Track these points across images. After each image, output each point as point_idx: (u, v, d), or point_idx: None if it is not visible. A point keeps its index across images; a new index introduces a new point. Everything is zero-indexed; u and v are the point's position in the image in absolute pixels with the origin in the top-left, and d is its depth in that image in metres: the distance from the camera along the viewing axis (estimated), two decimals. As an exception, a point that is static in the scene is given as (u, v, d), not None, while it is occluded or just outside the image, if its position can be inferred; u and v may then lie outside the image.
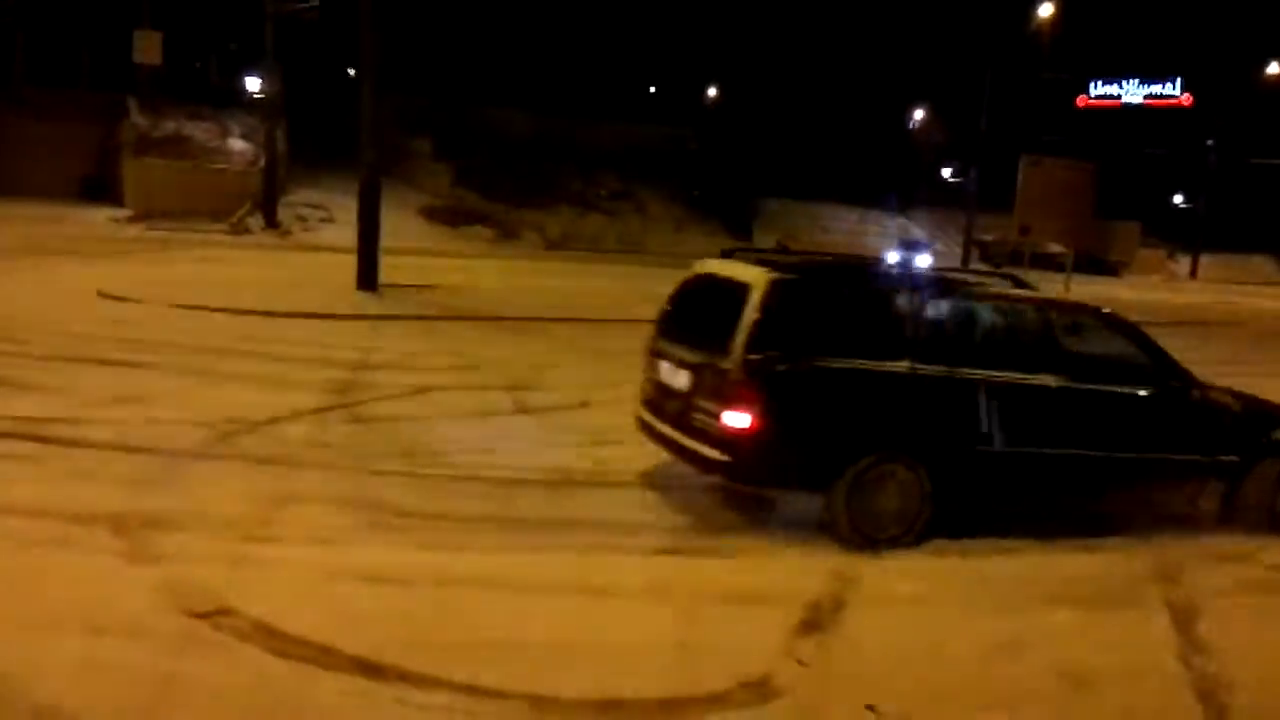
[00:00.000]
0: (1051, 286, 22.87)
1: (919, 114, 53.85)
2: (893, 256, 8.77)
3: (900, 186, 48.09)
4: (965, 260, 43.71)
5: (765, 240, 32.67)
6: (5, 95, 29.74)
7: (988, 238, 44.27)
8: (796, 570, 4.85)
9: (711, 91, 49.17)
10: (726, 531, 5.39)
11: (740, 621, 4.24)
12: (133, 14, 29.88)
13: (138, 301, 12.53)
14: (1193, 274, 50.48)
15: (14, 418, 6.61)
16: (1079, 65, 49.11)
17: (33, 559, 4.36)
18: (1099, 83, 51.83)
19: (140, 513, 4.98)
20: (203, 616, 3.86)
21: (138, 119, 29.85)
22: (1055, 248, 27.09)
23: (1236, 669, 4.05)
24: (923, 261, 7.07)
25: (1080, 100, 52.07)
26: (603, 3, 39.67)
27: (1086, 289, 27.47)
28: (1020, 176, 21.24)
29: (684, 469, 6.53)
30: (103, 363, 8.84)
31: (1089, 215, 22.78)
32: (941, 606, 4.58)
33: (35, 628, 3.70)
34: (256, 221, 28.30)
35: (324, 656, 3.63)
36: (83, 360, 8.85)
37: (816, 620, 4.28)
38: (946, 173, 51.11)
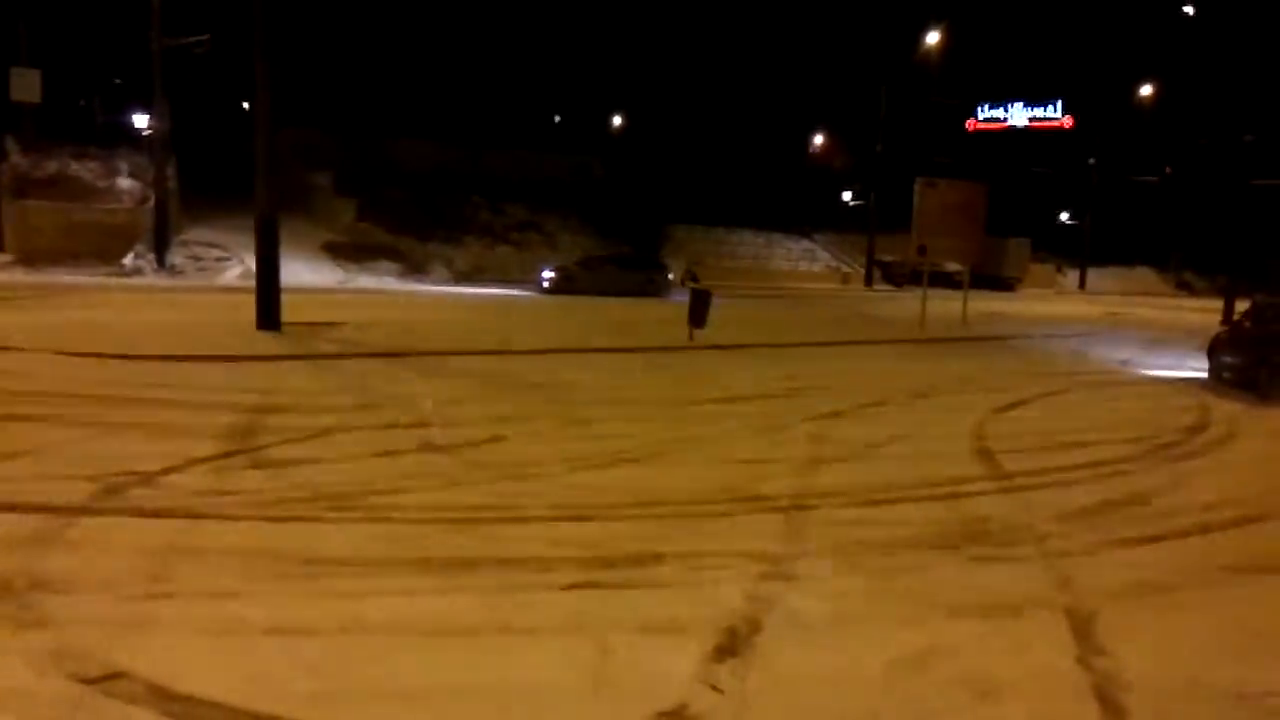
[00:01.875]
0: (951, 305, 23.64)
1: (819, 139, 55.27)
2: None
3: (804, 211, 49.20)
4: (869, 280, 44.93)
5: (673, 267, 32.95)
6: None
7: (889, 259, 45.51)
8: (711, 597, 4.85)
9: (616, 120, 49.60)
10: (640, 563, 5.36)
11: (656, 652, 4.22)
12: (9, 51, 28.77)
13: (20, 350, 11.97)
14: (1081, 285, 52.74)
15: (-116, 479, 6.22)
16: (967, 90, 51.18)
17: (-97, 631, 4.09)
18: (986, 106, 54.23)
19: (27, 573, 4.72)
20: (93, 682, 3.67)
21: (17, 160, 28.68)
22: (953, 266, 27.94)
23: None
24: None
25: (970, 124, 54.31)
26: (505, 32, 39.74)
27: (984, 305, 28.43)
28: (916, 198, 21.84)
29: (591, 499, 6.53)
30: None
31: (982, 234, 23.52)
32: (854, 624, 4.63)
33: (-94, 705, 3.47)
34: (148, 263, 27.39)
35: (224, 716, 3.48)
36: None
37: (731, 646, 4.28)
38: (847, 196, 52.48)
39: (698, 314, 16.94)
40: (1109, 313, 32.02)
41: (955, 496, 7.10)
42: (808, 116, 52.05)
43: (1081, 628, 4.66)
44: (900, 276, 44.24)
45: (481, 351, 14.14)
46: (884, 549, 5.78)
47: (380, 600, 4.65)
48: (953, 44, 45.09)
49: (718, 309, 17.64)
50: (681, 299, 21.75)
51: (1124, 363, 17.09)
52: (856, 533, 6.06)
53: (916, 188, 21.96)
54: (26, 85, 28.32)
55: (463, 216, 36.26)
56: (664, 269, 31.69)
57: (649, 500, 6.63)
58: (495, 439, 8.44)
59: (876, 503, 6.85)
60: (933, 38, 44.50)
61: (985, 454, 8.60)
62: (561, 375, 12.39)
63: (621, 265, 30.49)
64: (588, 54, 41.58)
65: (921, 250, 22.00)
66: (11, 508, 5.80)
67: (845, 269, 48.00)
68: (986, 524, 6.41)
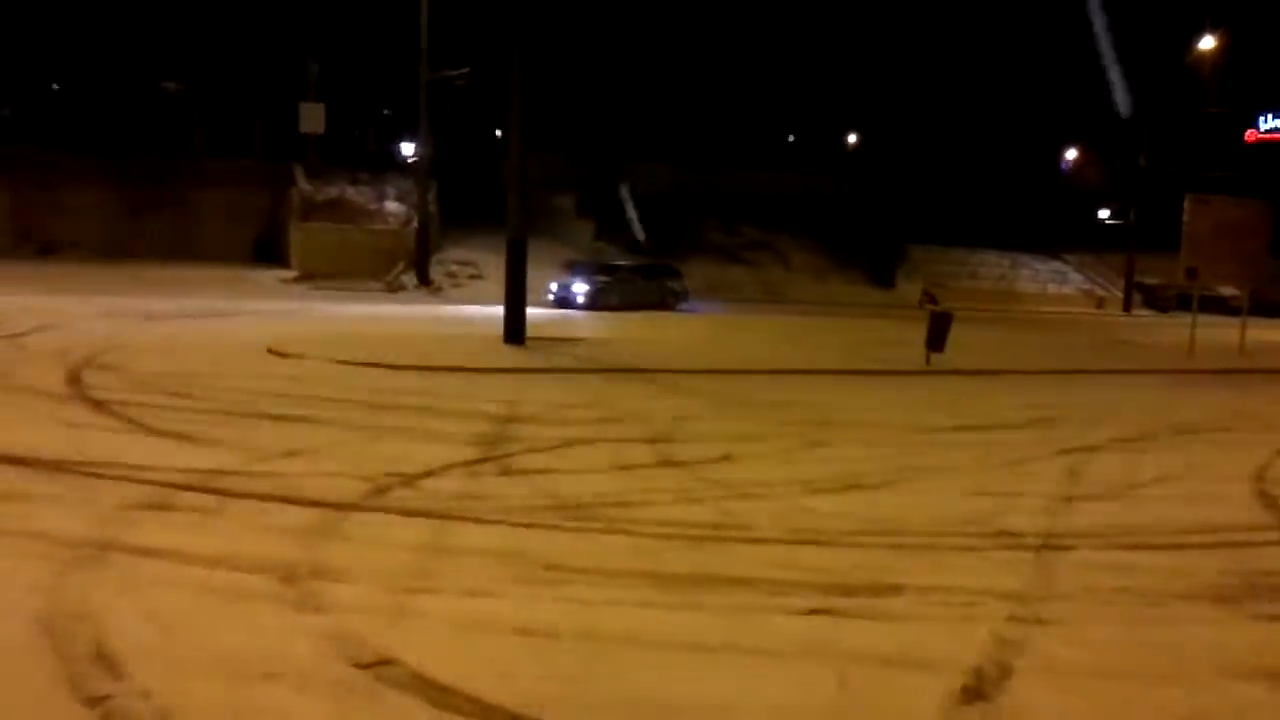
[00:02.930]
0: (1225, 332, 21.53)
1: (1071, 153, 51.96)
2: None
3: (1054, 229, 46.42)
4: (1128, 304, 41.72)
5: (911, 290, 31.92)
6: (187, 168, 32.20)
7: (1152, 281, 42.12)
8: (955, 635, 4.64)
9: (852, 138, 48.80)
10: (878, 592, 5.21)
11: (897, 687, 4.08)
12: (299, 87, 32.04)
13: (300, 358, 13.25)
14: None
15: (192, 470, 7.06)
16: (1245, 98, 46.60)
17: (209, 606, 4.61)
18: (1269, 116, 49.06)
19: (308, 563, 5.20)
20: (366, 667, 3.98)
21: (303, 185, 31.84)
22: (1227, 291, 25.47)
23: None
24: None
25: (1249, 135, 49.35)
26: (741, 55, 40.09)
27: (1266, 334, 25.72)
28: (1186, 216, 20.07)
29: (826, 524, 6.42)
30: (272, 418, 9.37)
31: (1264, 255, 21.30)
32: (1114, 678, 4.29)
33: (211, 672, 3.90)
34: (410, 279, 29.64)
35: (479, 710, 3.68)
36: (253, 415, 9.40)
37: (979, 689, 4.07)
38: (1104, 214, 49.03)
39: (936, 337, 16.33)
40: None
41: (1235, 545, 6.44)
42: (1059, 129, 49.09)
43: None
44: (1165, 301, 40.86)
45: (715, 370, 14.29)
46: (1150, 598, 5.32)
47: (618, 610, 4.77)
48: (1229, 48, 41.22)
49: (957, 333, 16.94)
50: (689, 310, 20.52)
51: None
52: (1117, 579, 5.61)
53: (1187, 204, 20.20)
54: (313, 118, 31.51)
55: (697, 236, 36.85)
56: (679, 276, 29.34)
57: (886, 529, 6.44)
58: (729, 457, 8.49)
59: (1140, 547, 6.32)
60: (1206, 43, 40.85)
61: (1271, 500, 7.75)
62: (795, 396, 12.30)
63: (644, 275, 28.52)
64: (822, 72, 41.23)
65: (1191, 273, 20.20)
66: (295, 501, 6.42)
67: (1100, 292, 44.88)
68: (1274, 578, 5.77)
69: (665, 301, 27.62)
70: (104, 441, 8.01)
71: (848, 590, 5.20)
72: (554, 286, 27.20)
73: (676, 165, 38.99)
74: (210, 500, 6.39)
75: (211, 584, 4.87)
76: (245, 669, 3.94)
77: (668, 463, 8.19)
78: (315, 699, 3.73)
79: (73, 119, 31.83)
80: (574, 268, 29.37)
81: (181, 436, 8.27)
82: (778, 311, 27.41)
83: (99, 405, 9.61)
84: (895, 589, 5.27)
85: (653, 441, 9.00)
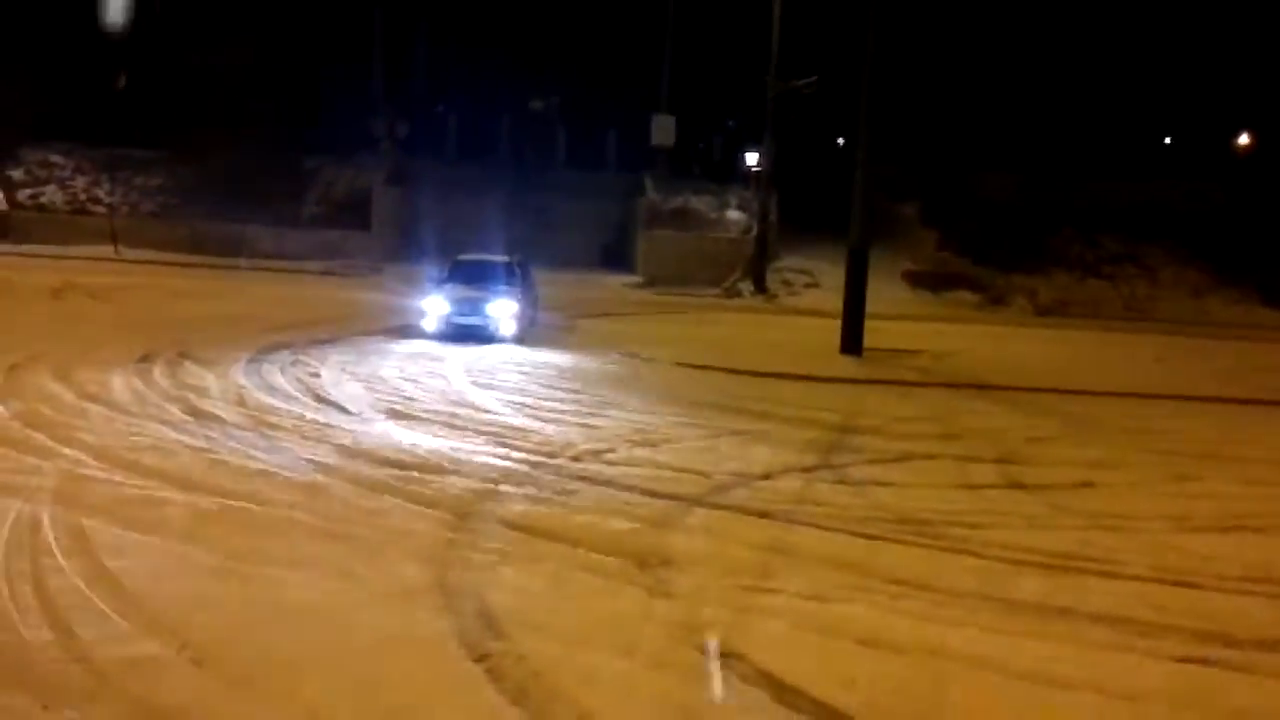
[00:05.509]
0: None
1: None
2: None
3: None
4: None
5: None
6: (550, 180, 34.99)
7: None
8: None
9: (1243, 139, 43.30)
10: (1262, 646, 4.64)
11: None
12: (652, 101, 33.77)
13: (647, 360, 13.96)
14: None
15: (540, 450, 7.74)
16: None
17: (573, 584, 5.03)
18: None
19: (658, 550, 5.52)
20: (714, 657, 4.17)
21: (652, 195, 33.48)
22: None
23: None
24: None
25: None
26: (1108, 53, 36.94)
27: None
28: None
29: (1208, 567, 5.80)
30: (619, 406, 10.02)
31: None
32: None
33: (578, 644, 4.26)
34: (747, 286, 30.25)
35: (823, 714, 3.73)
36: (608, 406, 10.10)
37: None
38: None
39: (1345, 366, 14.09)
40: None
41: None
42: None
43: None
44: None
45: (1065, 390, 13.29)
46: None
47: (965, 632, 4.62)
48: None
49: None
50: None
51: None
52: None
53: None
54: (664, 130, 33.10)
55: (1050, 248, 34.42)
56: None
57: (1273, 576, 5.71)
58: (1085, 484, 7.90)
59: None
60: None
61: None
62: (1154, 422, 11.19)
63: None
64: (1208, 67, 36.91)
65: None
66: (644, 491, 6.81)
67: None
68: None
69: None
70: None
71: (1233, 642, 4.67)
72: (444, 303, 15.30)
73: (1027, 174, 36.64)
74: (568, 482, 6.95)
75: (575, 562, 5.32)
76: (602, 643, 4.27)
77: (1016, 485, 7.76)
78: (664, 678, 3.97)
79: (459, 136, 35.79)
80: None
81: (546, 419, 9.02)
82: (1141, 330, 24.94)
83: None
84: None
85: (1000, 461, 8.57)
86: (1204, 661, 4.46)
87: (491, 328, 14.84)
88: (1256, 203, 35.05)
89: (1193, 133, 41.22)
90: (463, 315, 14.85)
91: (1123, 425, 10.95)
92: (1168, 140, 42.11)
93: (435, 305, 14.99)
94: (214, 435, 7.76)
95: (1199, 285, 32.12)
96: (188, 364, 11.02)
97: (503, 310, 15.03)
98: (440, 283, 15.69)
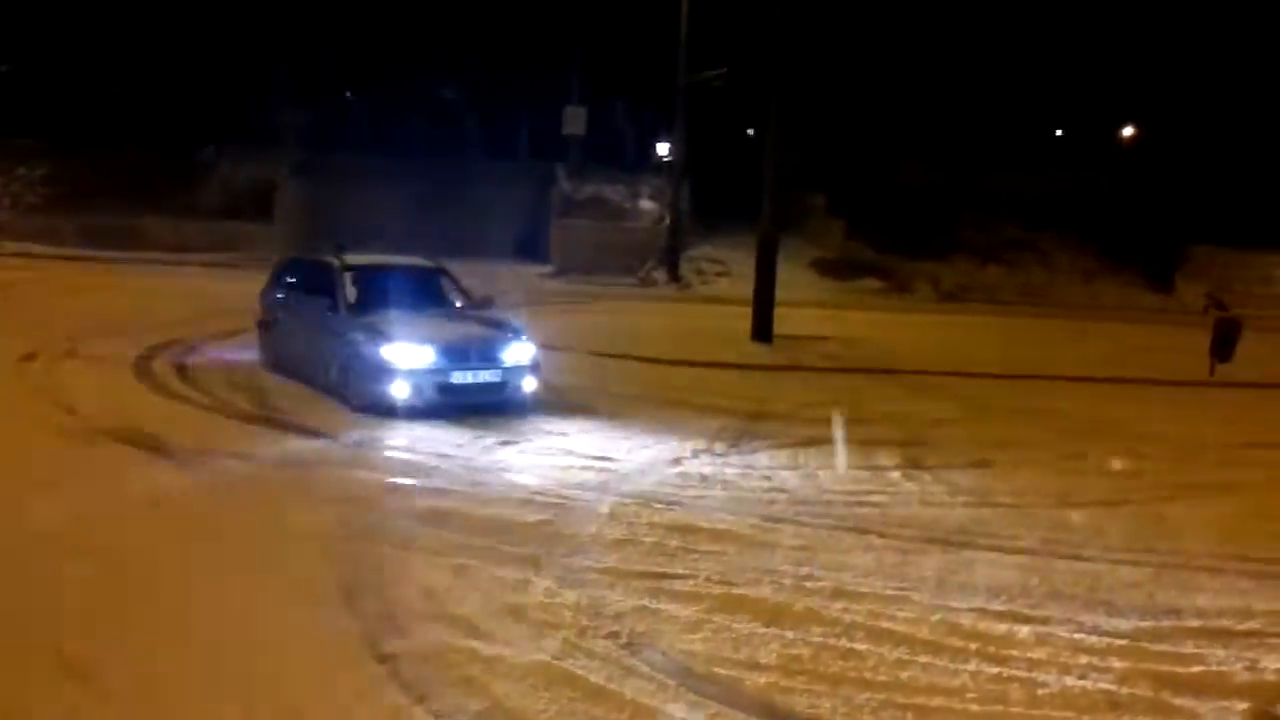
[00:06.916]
0: None
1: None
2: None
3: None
4: None
5: (1192, 294, 29.14)
6: (461, 169, 34.60)
7: None
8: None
9: (1127, 130, 45.16)
10: (1144, 613, 4.90)
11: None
12: (564, 91, 33.68)
13: (563, 350, 13.93)
14: None
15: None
16: None
17: (480, 576, 5.03)
18: None
19: (568, 539, 5.55)
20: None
21: (564, 184, 33.39)
22: None
23: None
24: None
25: None
26: (1002, 47, 38.06)
27: None
28: None
29: (1092, 539, 6.08)
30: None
31: None
32: None
33: (485, 637, 4.26)
34: (661, 275, 30.42)
35: (734, 695, 3.83)
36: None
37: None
38: None
39: (1224, 345, 14.82)
40: None
41: None
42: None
43: None
44: None
45: (967, 373, 13.72)
46: None
47: (867, 607, 4.77)
48: None
49: (1247, 342, 15.29)
50: None
51: None
52: None
53: None
54: (576, 120, 33.06)
55: (952, 236, 35.42)
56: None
57: (1154, 548, 6.02)
58: (983, 463, 8.22)
59: None
60: None
61: None
62: (1049, 402, 11.66)
63: None
64: (1095, 63, 38.34)
65: None
66: (559, 482, 6.83)
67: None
68: None
69: None
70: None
71: (1113, 610, 4.93)
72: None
73: (933, 164, 37.61)
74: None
75: (485, 552, 5.31)
76: (512, 634, 4.29)
77: (918, 466, 8.00)
78: (576, 665, 4.02)
79: (369, 125, 35.08)
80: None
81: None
82: (1036, 314, 25.85)
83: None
84: (1173, 611, 4.95)
85: (904, 445, 8.81)
86: (1092, 630, 4.69)
87: (510, 389, 9.33)
88: (1140, 191, 36.70)
89: (1081, 125, 42.80)
90: (464, 372, 9.04)
91: (1020, 406, 11.37)
92: (1059, 133, 43.67)
93: (406, 356, 8.78)
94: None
95: (1090, 270, 33.43)
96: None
97: (522, 357, 9.52)
98: (297, 299, 10.39)
